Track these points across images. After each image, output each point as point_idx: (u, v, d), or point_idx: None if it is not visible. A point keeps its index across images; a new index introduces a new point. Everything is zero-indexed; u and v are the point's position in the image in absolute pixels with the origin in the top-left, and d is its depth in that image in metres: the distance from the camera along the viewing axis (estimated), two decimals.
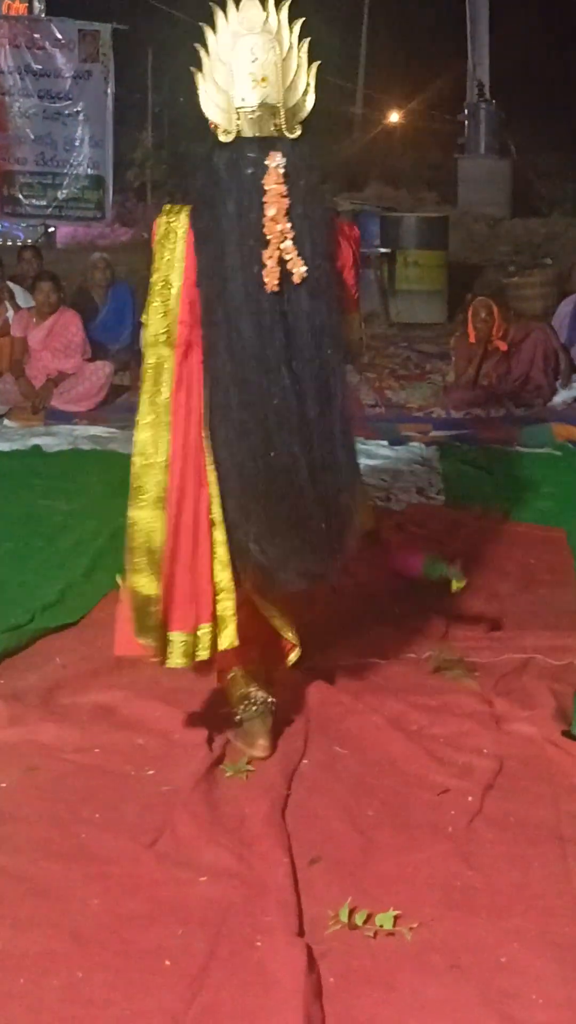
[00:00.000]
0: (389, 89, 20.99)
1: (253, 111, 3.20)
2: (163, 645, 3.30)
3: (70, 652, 4.22)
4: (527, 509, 6.32)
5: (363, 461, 5.15)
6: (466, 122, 18.11)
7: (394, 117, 21.59)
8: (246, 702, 3.51)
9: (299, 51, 3.22)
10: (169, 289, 3.38)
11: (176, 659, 3.30)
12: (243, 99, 3.20)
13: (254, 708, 3.50)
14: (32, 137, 14.74)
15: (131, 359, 10.38)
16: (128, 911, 2.69)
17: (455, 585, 4.32)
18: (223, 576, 3.30)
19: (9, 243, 14.67)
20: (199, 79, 3.24)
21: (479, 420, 9.03)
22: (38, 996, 2.40)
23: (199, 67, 3.23)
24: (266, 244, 3.16)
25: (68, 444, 7.82)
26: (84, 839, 2.99)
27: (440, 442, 8.00)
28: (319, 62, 3.25)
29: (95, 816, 3.11)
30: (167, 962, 2.51)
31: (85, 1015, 2.34)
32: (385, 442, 7.80)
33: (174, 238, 3.40)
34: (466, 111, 18.23)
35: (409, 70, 20.73)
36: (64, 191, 14.88)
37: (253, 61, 3.18)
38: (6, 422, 8.57)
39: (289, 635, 3.58)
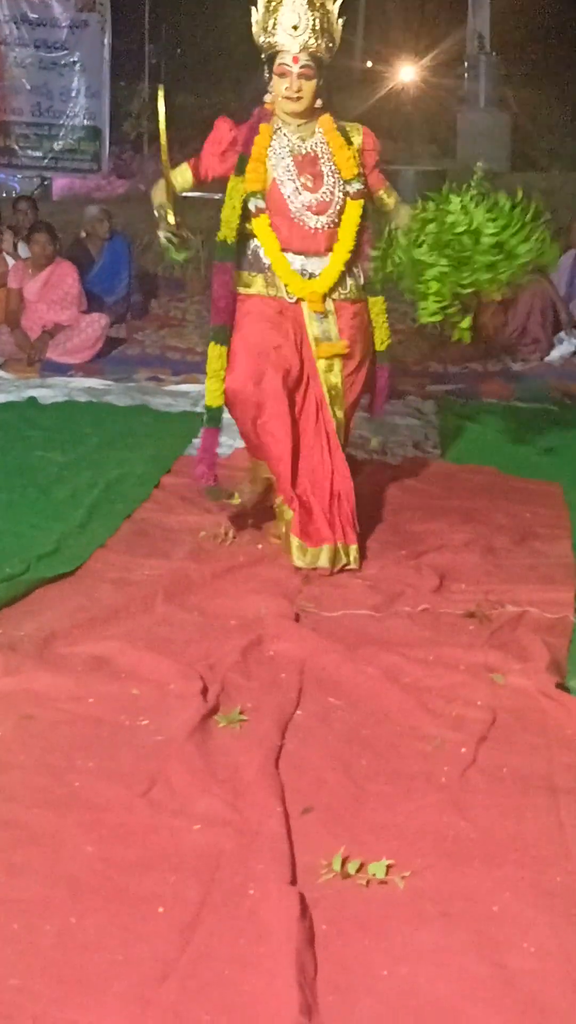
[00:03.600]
0: (389, 41, 20.81)
1: None
2: None
3: (66, 602, 4.22)
4: (523, 463, 6.32)
5: (358, 414, 5.18)
6: (466, 75, 17.97)
7: (393, 69, 21.42)
8: None
9: None
10: None
11: None
12: None
13: None
14: (28, 87, 14.63)
15: (127, 311, 10.37)
16: (121, 858, 2.70)
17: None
18: None
19: (4, 194, 14.57)
20: None
21: (476, 374, 9.01)
22: (31, 941, 2.41)
23: None
24: None
25: (63, 396, 7.79)
26: (78, 787, 3.00)
27: (437, 396, 7.99)
28: None
29: (89, 765, 3.11)
30: (160, 909, 2.52)
31: (78, 960, 2.36)
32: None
33: None
34: (466, 64, 18.08)
35: (409, 23, 20.55)
36: (60, 142, 14.77)
37: None
38: (1, 373, 8.54)
39: None
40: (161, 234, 4.72)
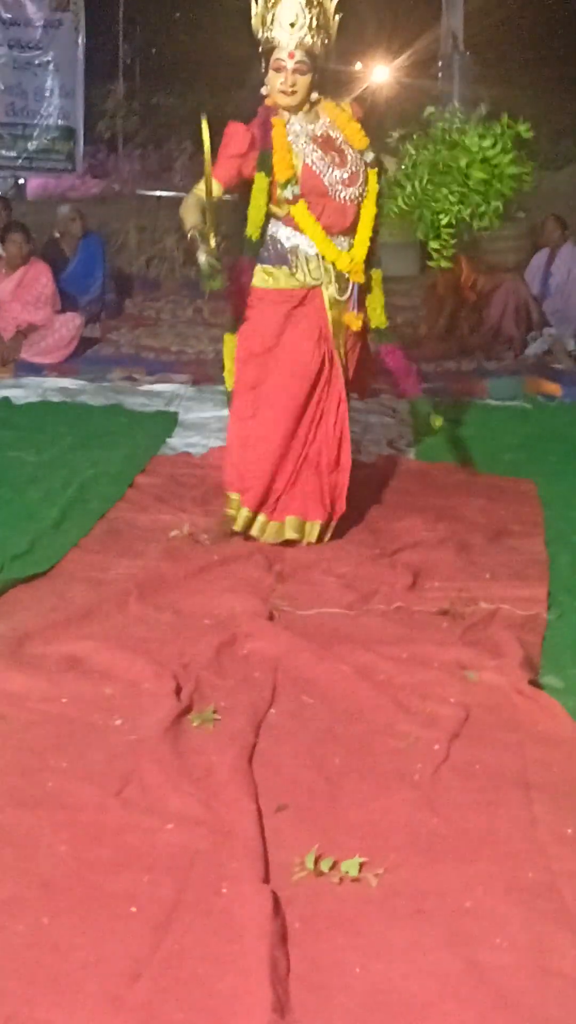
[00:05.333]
0: (363, 40, 20.81)
1: None
2: None
3: (39, 602, 4.21)
4: (497, 461, 6.34)
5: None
6: (440, 74, 17.98)
7: (368, 68, 21.42)
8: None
9: None
10: None
11: None
12: None
13: None
14: (1, 87, 14.56)
15: (101, 311, 10.36)
16: (95, 858, 2.70)
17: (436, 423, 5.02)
18: None
19: None
20: None
21: (450, 373, 9.04)
22: (4, 941, 2.40)
23: None
24: None
25: (37, 396, 7.79)
26: (51, 787, 2.99)
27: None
28: None
29: (62, 764, 3.10)
30: (133, 908, 2.51)
31: (51, 960, 2.35)
32: (355, 394, 7.78)
33: None
34: (440, 63, 18.09)
35: (382, 22, 20.57)
36: (34, 142, 14.70)
37: None
38: None
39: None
40: (201, 258, 4.53)
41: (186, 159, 16.99)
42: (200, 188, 4.62)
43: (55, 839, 2.76)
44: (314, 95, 4.78)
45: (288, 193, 4.70)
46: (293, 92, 4.70)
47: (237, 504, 4.91)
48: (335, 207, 4.76)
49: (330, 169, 4.74)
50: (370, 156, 4.82)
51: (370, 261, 4.92)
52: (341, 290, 4.84)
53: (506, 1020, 2.24)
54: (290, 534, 4.89)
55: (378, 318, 5.01)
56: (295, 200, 4.71)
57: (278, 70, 4.69)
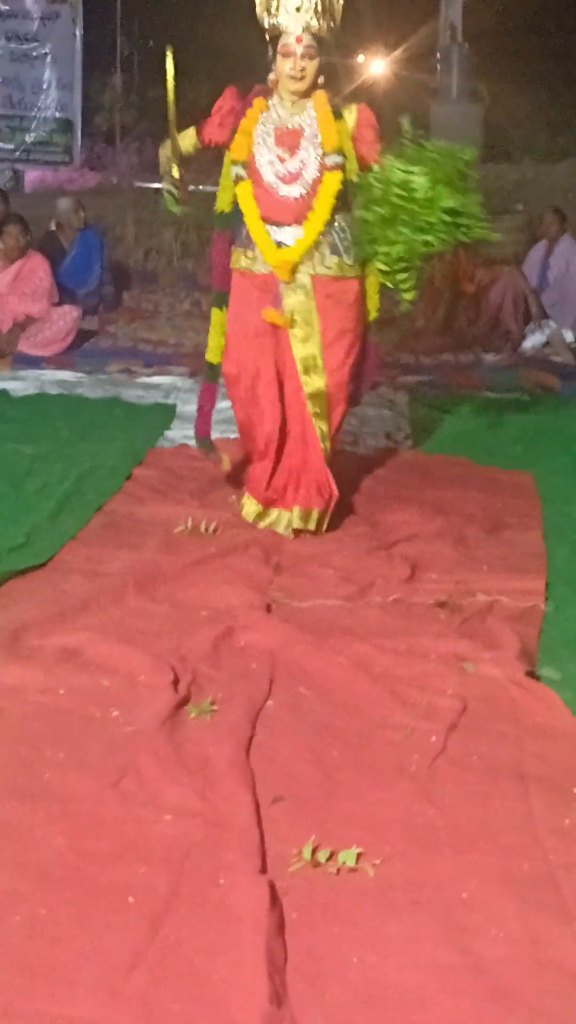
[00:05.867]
0: (361, 33, 20.80)
1: None
2: None
3: (36, 594, 4.20)
4: (495, 454, 6.34)
5: None
6: (438, 66, 17.96)
7: (367, 61, 21.40)
8: None
9: None
10: None
11: None
12: None
13: None
14: None
15: (99, 303, 10.35)
16: (92, 849, 2.70)
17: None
18: None
19: None
20: None
21: (448, 365, 9.03)
22: (1, 932, 2.40)
23: None
24: None
25: (35, 388, 7.78)
26: (48, 779, 2.99)
27: (409, 387, 8.00)
28: None
29: (59, 756, 3.10)
30: (130, 899, 2.52)
31: (47, 951, 2.35)
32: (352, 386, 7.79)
33: None
34: (438, 55, 18.06)
35: (382, 13, 20.55)
36: (32, 135, 14.72)
37: None
38: None
39: None
40: (164, 186, 4.97)
41: None
42: (183, 133, 4.98)
43: (52, 831, 2.76)
44: (320, 79, 4.76)
45: (234, 173, 4.80)
46: (303, 77, 4.70)
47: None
48: (272, 199, 4.76)
49: (271, 163, 4.75)
50: (333, 159, 4.70)
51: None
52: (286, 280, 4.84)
53: (502, 1011, 2.24)
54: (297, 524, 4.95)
55: (371, 311, 5.02)
56: (238, 181, 4.80)
57: (286, 55, 4.68)
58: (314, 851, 2.69)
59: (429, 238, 4.47)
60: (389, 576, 4.44)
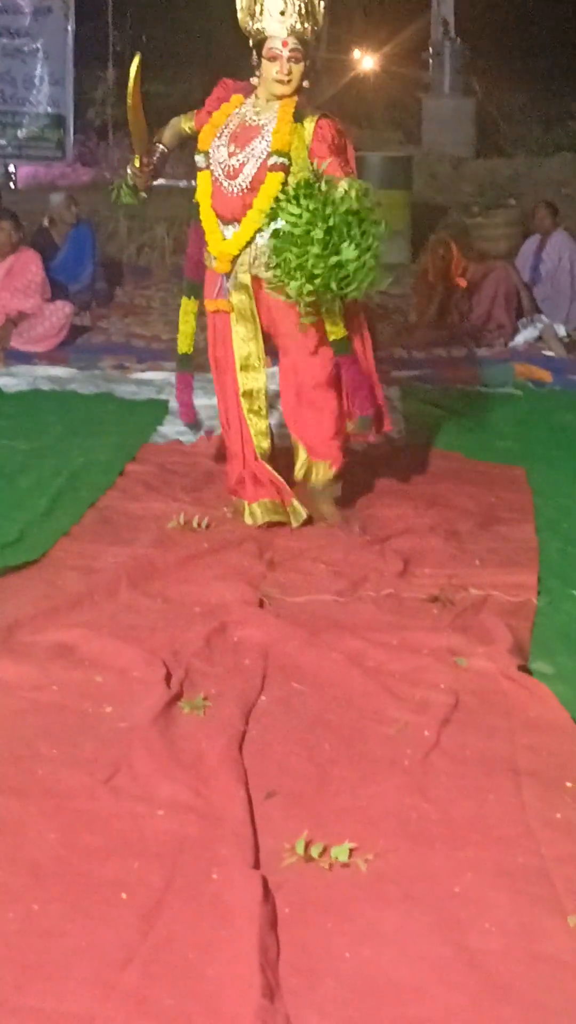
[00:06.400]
0: (353, 28, 20.79)
1: None
2: None
3: (29, 590, 4.20)
4: (488, 448, 6.35)
5: None
6: (431, 61, 17.97)
7: (359, 56, 21.40)
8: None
9: None
10: None
11: None
12: None
13: None
14: None
15: (91, 299, 10.34)
16: (85, 845, 2.70)
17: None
18: None
19: None
20: None
21: (441, 360, 9.03)
22: None
23: None
24: None
25: (28, 384, 7.77)
26: (41, 775, 2.99)
27: (401, 382, 8.00)
28: None
29: (52, 752, 3.11)
30: (123, 895, 2.52)
31: (41, 946, 2.35)
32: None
33: None
34: (431, 50, 18.07)
35: (374, 9, 20.54)
36: (24, 130, 14.66)
37: None
38: None
39: None
40: (128, 171, 5.09)
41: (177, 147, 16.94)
42: (184, 116, 5.10)
43: (45, 826, 2.76)
44: (305, 83, 4.78)
45: (198, 160, 4.88)
46: (289, 80, 4.71)
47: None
48: (220, 193, 4.82)
49: (223, 156, 4.80)
50: (276, 160, 4.67)
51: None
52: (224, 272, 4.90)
53: (495, 1004, 2.25)
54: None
55: (333, 328, 4.75)
56: (199, 169, 4.88)
57: (273, 59, 4.69)
58: (307, 846, 2.69)
59: (315, 284, 4.42)
60: (382, 571, 4.45)
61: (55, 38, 14.49)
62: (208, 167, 4.84)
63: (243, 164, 4.75)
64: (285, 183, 4.65)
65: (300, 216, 4.38)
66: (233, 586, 4.25)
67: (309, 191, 4.44)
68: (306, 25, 4.69)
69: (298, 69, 4.72)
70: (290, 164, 4.69)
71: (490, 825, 2.83)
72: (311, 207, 4.38)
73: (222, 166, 4.79)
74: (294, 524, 4.95)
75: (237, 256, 4.82)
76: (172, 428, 6.60)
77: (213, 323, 4.99)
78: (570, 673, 3.65)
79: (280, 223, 4.47)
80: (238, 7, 4.74)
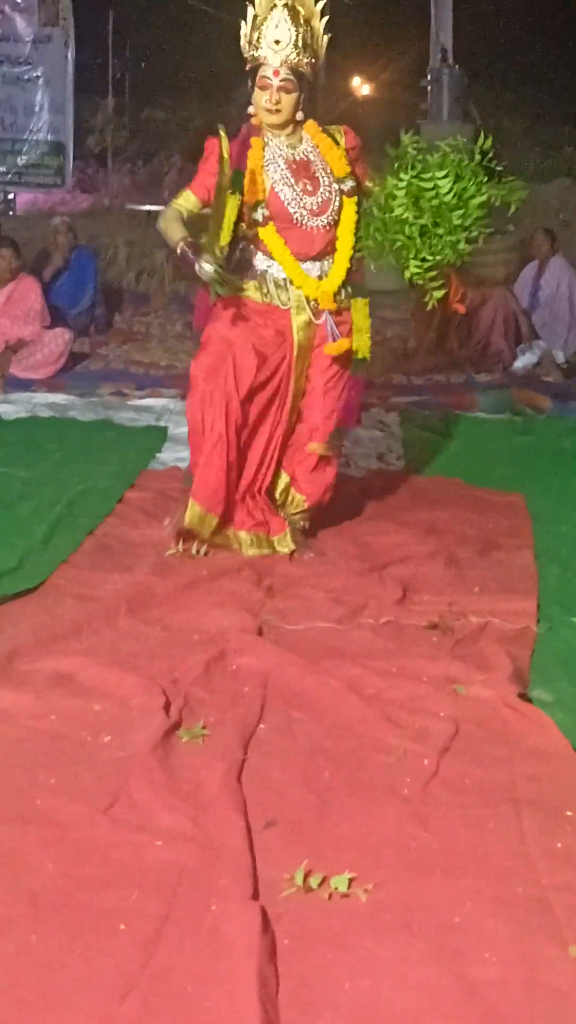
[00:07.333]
0: (352, 55, 20.89)
1: None
2: None
3: (28, 618, 4.20)
4: (486, 474, 6.35)
5: None
6: (429, 88, 18.02)
7: (357, 83, 21.51)
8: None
9: None
10: None
11: None
12: None
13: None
14: None
15: (91, 324, 10.37)
16: (83, 875, 2.69)
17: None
18: None
19: None
20: None
21: (439, 386, 9.05)
22: None
23: None
24: None
25: (27, 411, 7.78)
26: (40, 804, 2.98)
27: (400, 408, 8.01)
28: None
29: (51, 781, 3.10)
30: (122, 925, 2.51)
31: (39, 977, 2.34)
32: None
33: None
34: (429, 76, 18.13)
35: (372, 35, 20.65)
36: (24, 157, 14.73)
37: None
38: None
39: None
40: (208, 267, 4.60)
41: (175, 173, 17.01)
42: (179, 203, 4.88)
43: (44, 856, 2.75)
44: (299, 115, 4.79)
45: (258, 215, 4.73)
46: (278, 110, 4.73)
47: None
48: (300, 234, 4.77)
49: (299, 196, 4.76)
50: (348, 184, 4.79)
51: (353, 289, 4.92)
52: (316, 315, 4.87)
53: None
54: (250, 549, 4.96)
55: (363, 348, 4.95)
56: (264, 222, 4.74)
57: (263, 88, 4.72)
58: (306, 876, 2.68)
59: (469, 234, 4.63)
60: (381, 598, 4.44)
61: (55, 66, 14.57)
62: (268, 218, 4.74)
63: (327, 199, 4.77)
64: (359, 203, 4.78)
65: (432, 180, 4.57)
66: (232, 613, 4.25)
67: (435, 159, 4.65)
68: (302, 57, 4.70)
69: (289, 99, 4.72)
70: (356, 185, 4.81)
71: (490, 854, 2.82)
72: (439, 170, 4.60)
73: (303, 205, 4.75)
74: (285, 551, 4.97)
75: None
76: (171, 455, 6.61)
77: (244, 349, 4.80)
78: (570, 700, 3.63)
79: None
80: (241, 35, 4.77)
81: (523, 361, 9.63)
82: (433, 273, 4.73)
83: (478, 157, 4.69)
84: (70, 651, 3.90)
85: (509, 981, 2.38)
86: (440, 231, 4.61)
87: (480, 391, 8.78)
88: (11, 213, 14.84)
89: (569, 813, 3.01)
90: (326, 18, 4.81)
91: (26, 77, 14.60)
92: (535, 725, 3.47)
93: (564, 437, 7.34)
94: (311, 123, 4.82)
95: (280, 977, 2.37)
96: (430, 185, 4.57)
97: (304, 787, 3.12)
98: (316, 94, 4.87)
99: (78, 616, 4.20)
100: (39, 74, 14.59)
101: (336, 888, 2.64)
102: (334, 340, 4.86)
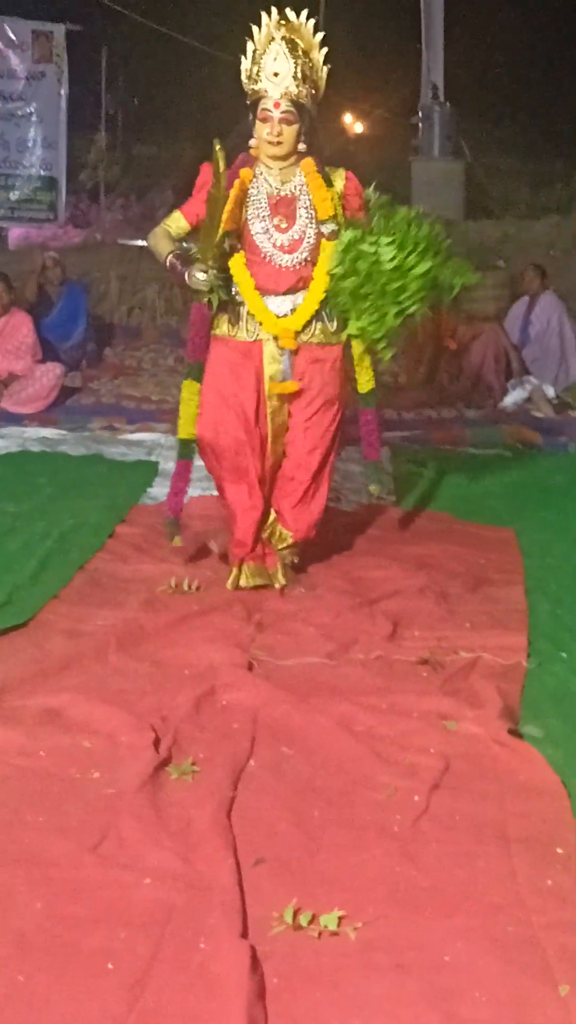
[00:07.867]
0: (343, 91, 21.02)
1: None
2: None
3: (17, 654, 4.18)
4: (477, 510, 6.36)
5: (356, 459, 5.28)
6: (420, 124, 18.12)
7: (348, 119, 21.60)
8: None
9: None
10: None
11: None
12: None
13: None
14: None
15: (82, 358, 10.39)
16: (71, 914, 2.67)
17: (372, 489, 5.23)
18: None
19: None
20: None
21: (430, 421, 9.07)
22: None
23: None
24: None
25: (17, 446, 7.79)
26: (27, 843, 2.96)
27: (391, 443, 8.02)
28: None
29: (39, 819, 3.08)
30: (110, 965, 2.49)
31: (26, 1018, 2.32)
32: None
33: None
34: (420, 113, 18.24)
35: (363, 72, 20.75)
36: (16, 192, 14.77)
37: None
38: None
39: None
40: (200, 276, 4.73)
41: (168, 209, 17.06)
42: (168, 223, 4.99)
43: (31, 895, 2.73)
44: (301, 147, 4.79)
45: (227, 244, 4.76)
46: (279, 142, 4.74)
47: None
48: (269, 270, 4.80)
49: (268, 233, 4.78)
50: (329, 227, 4.77)
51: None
52: (290, 348, 4.88)
53: None
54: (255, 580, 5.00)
55: (364, 382, 5.04)
56: (231, 252, 4.78)
57: (264, 120, 4.73)
58: (296, 914, 2.66)
59: (402, 307, 4.53)
60: (371, 633, 4.44)
61: (48, 102, 14.62)
62: (239, 249, 4.79)
63: (301, 237, 4.78)
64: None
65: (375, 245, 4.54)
66: (222, 649, 4.24)
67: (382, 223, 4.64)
68: (302, 88, 4.71)
69: (290, 131, 4.73)
70: (340, 228, 4.76)
71: (480, 892, 2.80)
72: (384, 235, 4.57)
73: (273, 241, 4.78)
74: (277, 585, 4.98)
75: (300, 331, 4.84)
76: (162, 490, 6.59)
77: (238, 397, 4.89)
78: (560, 736, 3.63)
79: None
80: (242, 70, 4.79)
81: (514, 396, 9.66)
82: (378, 336, 4.69)
83: (430, 231, 4.66)
84: (59, 687, 3.89)
85: (499, 1020, 2.36)
86: (371, 297, 4.59)
87: (470, 426, 8.81)
88: (2, 246, 14.86)
89: (560, 850, 2.99)
90: (325, 50, 4.82)
91: (19, 113, 14.65)
92: (525, 761, 3.46)
93: (554, 472, 7.36)
94: (308, 161, 4.81)
95: (269, 1016, 2.35)
96: (372, 250, 4.56)
97: (294, 824, 3.11)
98: (317, 126, 4.86)
99: (68, 652, 4.19)
100: (32, 110, 14.65)
101: (326, 926, 2.63)
102: (283, 379, 4.88)
